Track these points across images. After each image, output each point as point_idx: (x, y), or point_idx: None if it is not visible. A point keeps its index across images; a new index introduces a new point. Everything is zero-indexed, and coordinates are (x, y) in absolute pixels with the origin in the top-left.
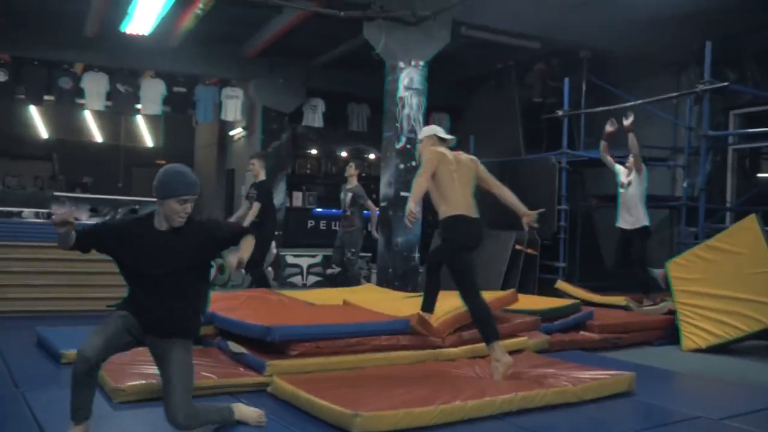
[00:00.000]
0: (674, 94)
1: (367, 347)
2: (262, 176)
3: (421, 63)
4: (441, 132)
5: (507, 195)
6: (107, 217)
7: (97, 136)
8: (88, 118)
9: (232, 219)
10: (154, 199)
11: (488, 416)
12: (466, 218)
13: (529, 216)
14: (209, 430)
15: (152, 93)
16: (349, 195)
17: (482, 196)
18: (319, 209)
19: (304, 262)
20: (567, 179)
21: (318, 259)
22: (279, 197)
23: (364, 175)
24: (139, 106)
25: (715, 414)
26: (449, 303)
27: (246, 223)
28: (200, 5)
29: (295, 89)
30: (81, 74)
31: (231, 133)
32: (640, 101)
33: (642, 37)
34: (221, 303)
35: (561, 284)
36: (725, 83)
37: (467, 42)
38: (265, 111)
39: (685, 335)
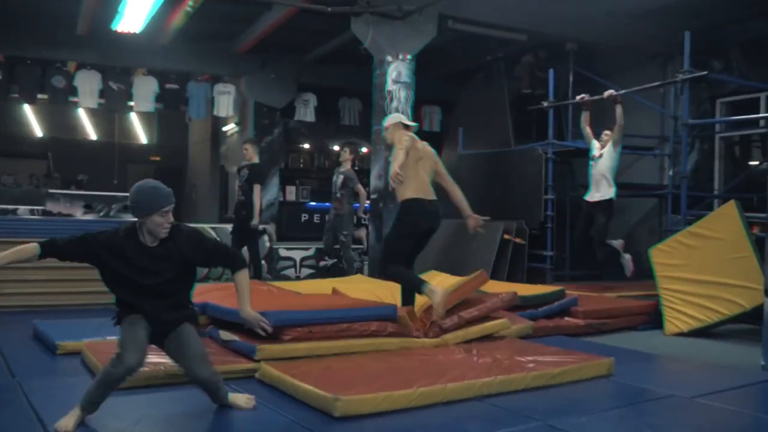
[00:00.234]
0: (655, 83)
1: (355, 332)
2: (256, 159)
3: (409, 57)
4: (405, 119)
5: (456, 193)
6: (101, 213)
7: (92, 134)
8: (83, 116)
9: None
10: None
11: (468, 398)
12: (423, 201)
13: (474, 219)
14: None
15: (145, 90)
16: (341, 177)
17: (470, 188)
18: (313, 203)
19: (297, 254)
20: (554, 169)
21: (311, 252)
22: (272, 192)
23: (356, 169)
24: (131, 103)
25: (688, 393)
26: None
27: (257, 208)
28: (190, 3)
29: (287, 84)
30: (74, 73)
31: (224, 128)
32: (623, 91)
33: (627, 28)
34: (214, 293)
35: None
36: (704, 72)
37: (455, 35)
38: (257, 106)
39: (667, 320)
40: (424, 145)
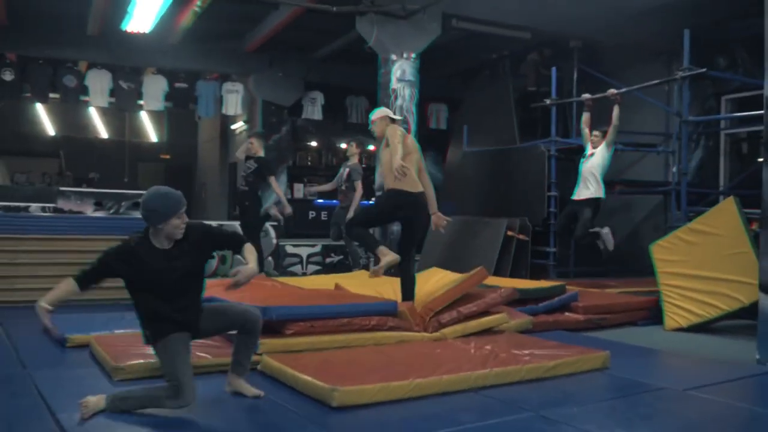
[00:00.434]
0: (655, 81)
1: (356, 327)
2: (261, 153)
3: (413, 55)
4: (391, 113)
5: (429, 190)
6: (111, 211)
7: (103, 133)
8: (94, 115)
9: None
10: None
11: (463, 390)
12: (404, 191)
13: (437, 216)
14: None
15: (154, 89)
16: (347, 170)
17: (475, 185)
18: (320, 200)
19: (304, 251)
20: (557, 166)
21: (318, 249)
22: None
23: (364, 166)
24: (141, 102)
25: (681, 385)
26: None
27: (282, 198)
28: (198, 2)
29: (294, 83)
30: (85, 72)
31: (233, 126)
32: (624, 89)
33: (630, 26)
34: (220, 288)
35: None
36: (703, 69)
37: (461, 34)
38: (265, 105)
39: (667, 315)
40: (411, 140)
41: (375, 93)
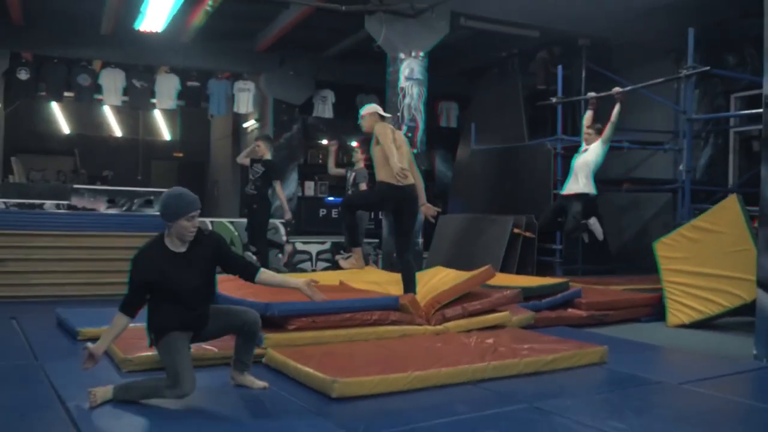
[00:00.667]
0: (659, 80)
1: (358, 322)
2: (268, 155)
3: (421, 54)
4: (380, 110)
5: (417, 182)
6: (124, 208)
7: (117, 131)
8: (108, 113)
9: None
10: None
11: (462, 383)
12: (393, 185)
13: (427, 207)
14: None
15: (167, 88)
16: (353, 175)
17: (482, 182)
18: (331, 198)
19: (314, 248)
20: (563, 164)
21: (327, 246)
22: (291, 187)
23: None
24: (154, 100)
25: (676, 380)
26: (436, 281)
27: (284, 203)
28: (209, 2)
29: (305, 81)
30: (99, 71)
31: (245, 125)
32: (629, 87)
33: (639, 24)
34: (227, 284)
35: None
36: (707, 68)
37: (471, 32)
38: (276, 103)
39: (670, 312)
40: (400, 134)
41: (385, 91)
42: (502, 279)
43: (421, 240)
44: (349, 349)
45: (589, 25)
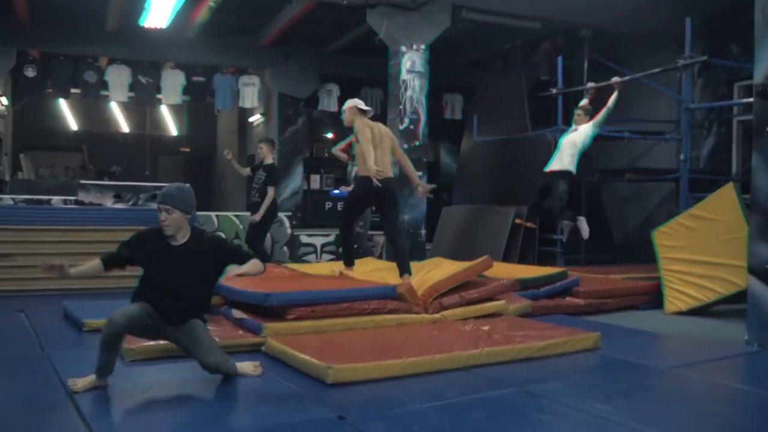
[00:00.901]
0: (657, 69)
1: (356, 311)
2: (270, 159)
3: (423, 47)
4: (362, 104)
5: (406, 166)
6: (130, 203)
7: (124, 127)
8: (115, 109)
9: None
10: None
11: (455, 369)
12: (372, 180)
13: (423, 187)
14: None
15: (172, 83)
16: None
17: (484, 173)
18: (336, 191)
19: (318, 241)
20: None
21: (331, 239)
22: (297, 180)
23: None
24: (160, 96)
25: (666, 364)
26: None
27: (264, 206)
28: None
29: (310, 75)
30: (105, 68)
31: (250, 119)
32: (627, 77)
33: (641, 14)
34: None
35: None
36: (704, 58)
37: (473, 24)
38: (281, 97)
39: (668, 299)
40: (379, 127)
41: (387, 84)
42: (501, 269)
43: (424, 231)
44: (347, 338)
45: (590, 16)
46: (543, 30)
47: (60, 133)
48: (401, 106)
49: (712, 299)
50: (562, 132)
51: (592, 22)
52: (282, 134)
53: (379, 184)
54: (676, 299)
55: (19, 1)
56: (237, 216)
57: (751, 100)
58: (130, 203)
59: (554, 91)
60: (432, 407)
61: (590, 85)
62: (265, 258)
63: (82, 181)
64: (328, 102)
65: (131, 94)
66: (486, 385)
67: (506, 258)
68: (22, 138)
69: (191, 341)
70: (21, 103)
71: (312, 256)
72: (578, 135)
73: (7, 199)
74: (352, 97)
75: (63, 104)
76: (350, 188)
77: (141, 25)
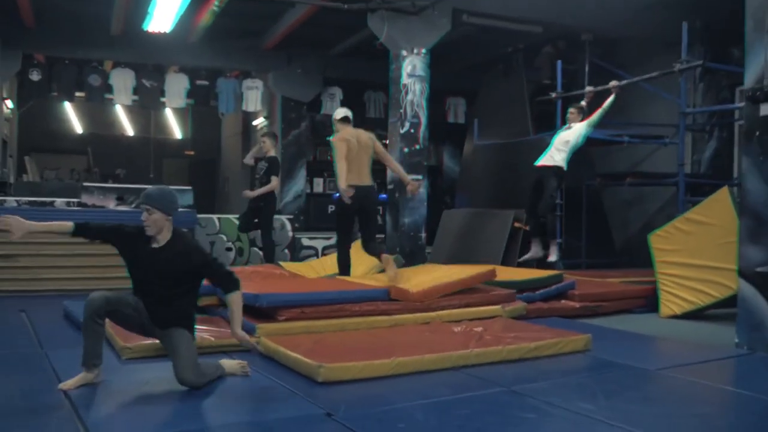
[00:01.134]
0: (654, 73)
1: (348, 312)
2: (273, 153)
3: (423, 51)
4: (345, 113)
5: (394, 166)
6: (132, 205)
7: (129, 130)
8: (120, 112)
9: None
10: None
11: (445, 369)
12: (356, 188)
13: (412, 184)
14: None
15: (176, 87)
16: None
17: (485, 177)
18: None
19: (319, 243)
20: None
21: (333, 241)
22: (299, 184)
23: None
24: (164, 99)
25: (654, 366)
26: (431, 274)
27: (262, 191)
28: (215, 2)
29: (313, 79)
30: (110, 71)
31: (254, 122)
32: (624, 81)
33: (641, 18)
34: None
35: None
36: (699, 62)
37: (475, 28)
38: (285, 101)
39: (663, 303)
40: (359, 135)
41: (388, 87)
42: (498, 271)
43: (424, 234)
44: (340, 338)
45: (591, 20)
46: (544, 34)
47: (65, 136)
48: (402, 110)
49: (707, 303)
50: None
51: (592, 26)
52: (285, 137)
53: (349, 202)
54: (671, 303)
55: (25, 5)
56: (238, 218)
57: (730, 106)
58: (133, 206)
59: (553, 95)
60: (419, 405)
61: (589, 89)
62: (273, 248)
63: (86, 184)
64: (331, 105)
65: (135, 97)
66: (474, 385)
67: (505, 261)
68: (28, 141)
69: (171, 350)
70: (26, 106)
71: (313, 259)
72: (571, 133)
73: (11, 200)
74: (355, 100)
75: (68, 107)
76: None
77: (145, 29)
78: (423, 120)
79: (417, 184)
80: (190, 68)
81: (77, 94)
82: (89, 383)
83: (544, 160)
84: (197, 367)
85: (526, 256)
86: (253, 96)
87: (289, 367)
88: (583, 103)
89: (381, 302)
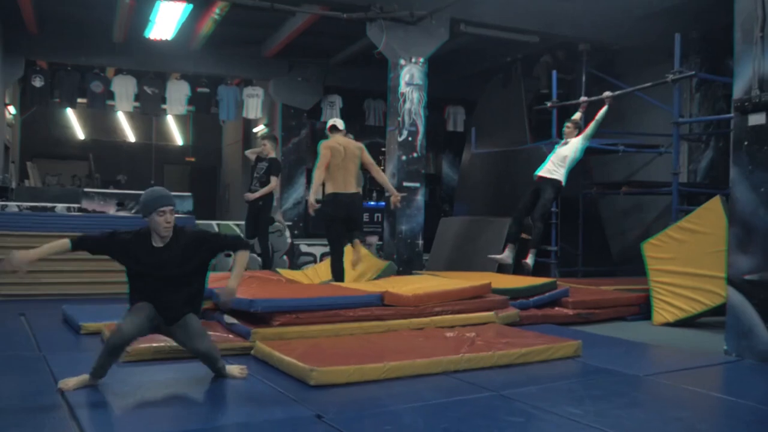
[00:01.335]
0: (648, 84)
1: (342, 318)
2: (273, 154)
3: (421, 60)
4: (334, 123)
5: (380, 177)
6: (133, 211)
7: (130, 136)
8: (122, 119)
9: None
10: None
11: (436, 373)
12: (339, 194)
13: (395, 196)
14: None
15: (177, 94)
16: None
17: (482, 185)
18: None
19: (318, 250)
20: None
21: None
22: (299, 191)
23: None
24: (165, 106)
25: (643, 372)
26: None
27: (263, 191)
28: (216, 11)
29: (313, 87)
30: (111, 78)
31: (254, 130)
32: (618, 92)
33: (638, 29)
34: (222, 282)
35: None
36: (692, 73)
37: (473, 38)
38: (285, 108)
39: (656, 311)
40: (347, 144)
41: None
42: (493, 279)
43: (421, 242)
44: (333, 343)
45: (587, 30)
46: (542, 44)
47: (67, 142)
48: (400, 118)
49: (699, 311)
50: (555, 144)
51: (589, 37)
52: (285, 145)
53: (312, 213)
54: (663, 310)
55: (28, 12)
56: (237, 225)
57: (722, 116)
58: (133, 211)
59: (549, 104)
60: (408, 408)
61: (583, 99)
62: (270, 253)
63: (86, 189)
64: (330, 113)
65: (137, 104)
66: (464, 389)
67: (501, 268)
68: (30, 146)
69: (184, 332)
70: (29, 112)
71: (311, 265)
72: (568, 149)
73: (13, 205)
74: (355, 108)
75: (70, 113)
76: None
77: (146, 36)
78: (421, 128)
79: (399, 197)
80: (192, 75)
81: (79, 100)
82: (88, 386)
83: (542, 172)
84: (209, 337)
85: (497, 258)
86: (253, 103)
87: (283, 370)
88: (579, 115)
89: (375, 308)
